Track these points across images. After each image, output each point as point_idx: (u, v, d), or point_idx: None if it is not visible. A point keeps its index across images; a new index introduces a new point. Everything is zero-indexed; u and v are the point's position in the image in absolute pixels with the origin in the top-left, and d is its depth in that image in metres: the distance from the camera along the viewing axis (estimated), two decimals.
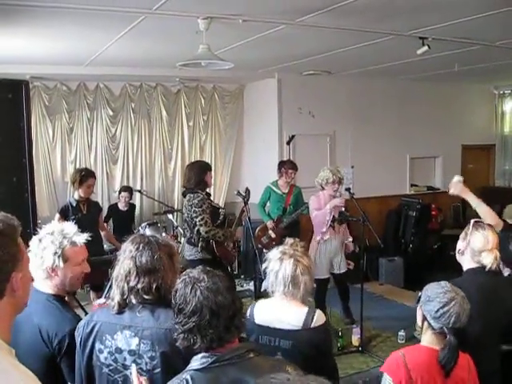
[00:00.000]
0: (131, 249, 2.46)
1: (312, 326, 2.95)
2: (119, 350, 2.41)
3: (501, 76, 9.96)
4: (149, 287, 2.41)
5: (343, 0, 4.56)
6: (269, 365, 2.09)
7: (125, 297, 2.44)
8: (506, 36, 6.20)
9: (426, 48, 6.00)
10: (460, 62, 7.78)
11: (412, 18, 5.28)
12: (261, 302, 3.20)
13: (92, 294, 6.32)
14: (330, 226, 6.32)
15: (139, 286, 2.40)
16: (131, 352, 2.40)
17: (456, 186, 4.15)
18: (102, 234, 6.71)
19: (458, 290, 2.65)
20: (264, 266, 3.13)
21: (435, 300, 2.63)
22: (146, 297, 2.42)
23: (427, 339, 2.68)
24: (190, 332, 2.07)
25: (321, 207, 6.38)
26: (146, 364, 2.38)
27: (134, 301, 2.44)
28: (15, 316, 1.73)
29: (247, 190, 6.15)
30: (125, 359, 2.41)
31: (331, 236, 6.39)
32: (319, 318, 3.00)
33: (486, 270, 3.17)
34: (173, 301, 2.15)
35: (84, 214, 6.35)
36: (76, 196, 6.41)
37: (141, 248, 2.45)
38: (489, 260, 3.16)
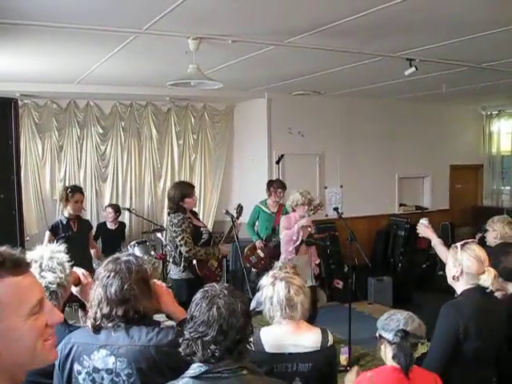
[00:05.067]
0: (103, 276, 2.46)
1: (328, 344, 3.01)
2: (97, 370, 2.41)
3: (488, 97, 10.08)
4: (121, 315, 2.41)
5: (332, 21, 4.62)
6: (261, 383, 2.15)
7: (97, 322, 2.44)
8: (492, 58, 6.29)
9: (413, 69, 6.07)
10: (447, 83, 7.87)
11: (399, 39, 5.35)
12: (265, 330, 3.12)
13: (80, 313, 6.27)
14: (295, 248, 6.35)
15: (112, 313, 2.41)
16: (108, 371, 2.40)
17: (421, 228, 4.60)
18: (92, 252, 6.68)
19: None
20: (259, 294, 3.13)
21: (384, 316, 2.85)
22: (118, 321, 2.43)
23: (389, 357, 2.75)
24: (193, 341, 2.10)
25: (290, 227, 6.43)
26: (124, 382, 2.39)
27: (109, 325, 2.44)
28: (13, 372, 1.33)
29: (239, 206, 6.12)
30: (102, 378, 2.40)
31: (295, 257, 6.38)
32: (331, 336, 3.07)
33: (488, 291, 3.15)
34: (189, 308, 2.18)
35: (74, 231, 6.33)
36: (66, 214, 6.40)
37: (111, 277, 2.43)
38: (489, 282, 3.13)
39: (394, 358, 2.70)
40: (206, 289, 2.19)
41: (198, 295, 2.18)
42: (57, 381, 2.51)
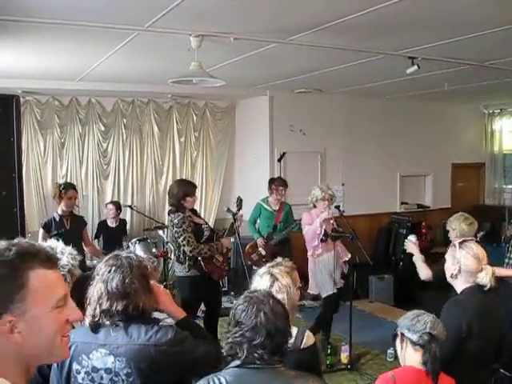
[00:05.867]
0: (104, 271, 2.46)
1: (302, 347, 2.92)
2: (95, 369, 2.41)
3: (490, 95, 10.05)
4: (121, 310, 2.41)
5: (334, 19, 4.61)
6: (293, 374, 2.26)
7: (96, 319, 2.44)
8: (494, 56, 6.28)
9: (415, 67, 6.06)
10: (449, 82, 7.86)
11: (402, 37, 5.34)
12: None
13: None
14: (322, 240, 6.31)
15: (112, 309, 2.41)
16: (107, 370, 2.40)
17: (408, 244, 4.84)
18: (87, 249, 6.66)
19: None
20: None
21: (408, 315, 2.80)
22: (117, 318, 2.42)
23: (411, 358, 2.74)
24: (239, 345, 2.18)
25: (312, 222, 6.38)
26: (123, 381, 2.38)
27: (107, 322, 2.43)
28: (29, 364, 1.39)
29: (239, 199, 6.11)
30: (101, 378, 2.40)
31: (323, 251, 6.36)
32: (309, 338, 2.98)
33: (486, 289, 3.18)
34: (232, 312, 2.27)
35: (67, 228, 6.33)
36: (59, 211, 6.41)
37: (112, 271, 2.44)
38: (487, 280, 3.16)
39: (422, 362, 2.70)
40: (250, 295, 2.29)
41: (242, 302, 2.26)
42: (55, 380, 2.50)
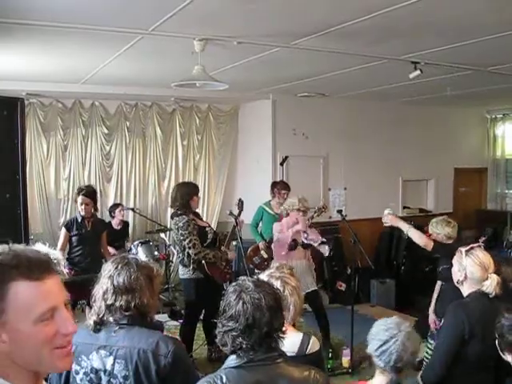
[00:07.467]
0: (110, 268, 2.48)
1: (307, 352, 2.90)
2: (94, 371, 2.42)
3: (493, 100, 10.07)
4: (126, 306, 2.41)
5: (337, 24, 4.63)
6: (299, 368, 2.25)
7: (101, 315, 2.45)
8: (497, 62, 6.29)
9: (418, 72, 6.07)
10: (452, 87, 7.86)
11: (405, 42, 5.36)
12: None
13: (87, 311, 6.28)
14: (291, 249, 6.28)
15: (116, 304, 2.41)
16: (106, 372, 2.41)
17: (387, 218, 5.00)
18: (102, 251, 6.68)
19: (402, 327, 2.55)
20: None
21: (376, 338, 2.58)
22: (122, 315, 2.43)
23: (377, 378, 2.62)
24: (224, 333, 2.17)
25: (283, 231, 6.36)
26: None
27: (111, 319, 2.44)
28: (27, 369, 1.35)
29: (240, 201, 6.13)
30: (100, 379, 2.41)
31: (295, 259, 6.23)
32: (314, 344, 2.96)
33: (491, 296, 3.18)
34: (222, 300, 2.25)
35: (88, 230, 6.35)
36: (82, 212, 6.39)
37: (119, 268, 2.46)
38: (492, 288, 3.16)
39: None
40: (237, 283, 2.25)
41: (229, 289, 2.24)
42: (54, 381, 2.51)
